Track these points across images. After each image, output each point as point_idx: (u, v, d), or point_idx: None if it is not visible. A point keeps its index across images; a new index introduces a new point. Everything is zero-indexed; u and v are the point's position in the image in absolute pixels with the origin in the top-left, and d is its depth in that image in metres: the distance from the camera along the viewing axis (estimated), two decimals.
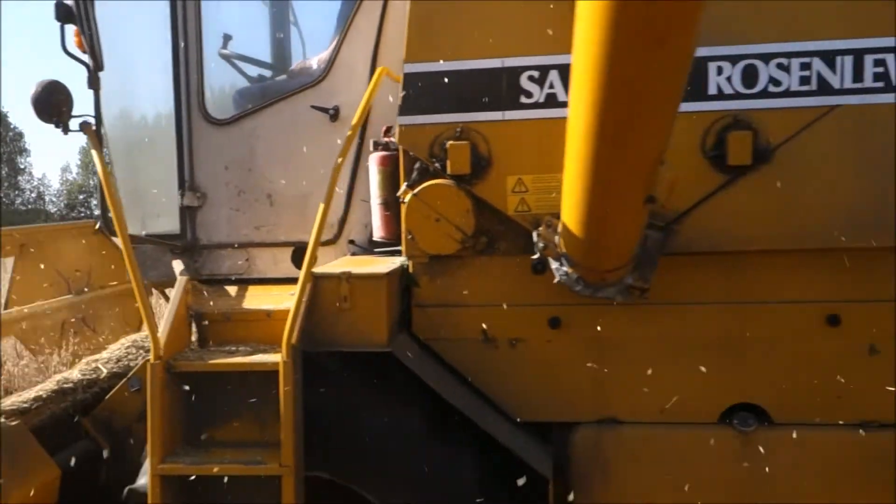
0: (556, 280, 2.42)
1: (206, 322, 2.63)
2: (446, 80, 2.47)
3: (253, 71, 3.78)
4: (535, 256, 2.39)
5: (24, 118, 67.20)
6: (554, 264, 2.42)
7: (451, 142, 2.48)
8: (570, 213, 2.08)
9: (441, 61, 2.47)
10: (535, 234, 2.39)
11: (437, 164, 2.52)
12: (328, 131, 3.00)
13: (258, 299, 2.73)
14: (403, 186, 2.59)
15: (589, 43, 1.46)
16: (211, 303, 2.70)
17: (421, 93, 2.51)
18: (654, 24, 1.34)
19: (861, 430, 2.50)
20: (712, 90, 2.38)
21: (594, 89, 1.54)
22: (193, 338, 2.68)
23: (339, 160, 2.44)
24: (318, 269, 2.52)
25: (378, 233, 2.88)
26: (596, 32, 1.41)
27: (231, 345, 2.61)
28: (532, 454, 2.53)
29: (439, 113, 2.51)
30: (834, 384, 2.50)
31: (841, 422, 2.51)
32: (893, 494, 2.47)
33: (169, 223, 3.17)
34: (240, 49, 3.68)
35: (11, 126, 52.82)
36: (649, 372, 2.56)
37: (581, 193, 1.92)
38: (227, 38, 3.59)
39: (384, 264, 2.64)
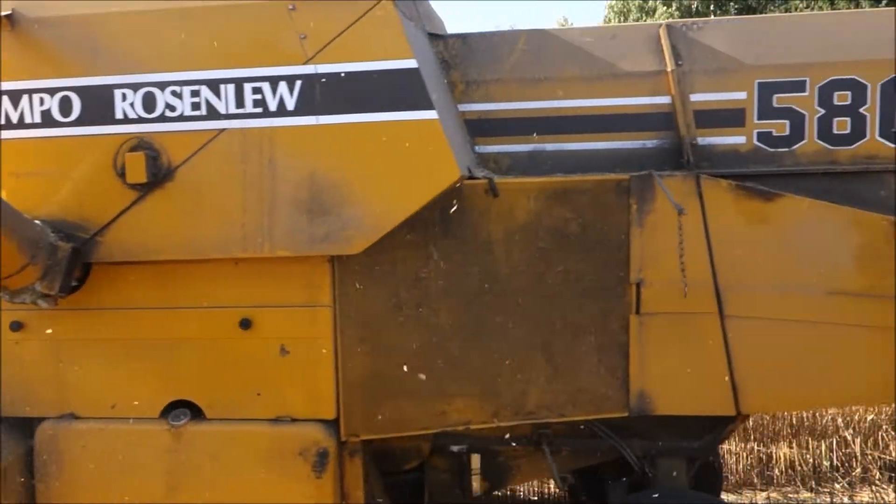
0: None
1: None
2: None
3: None
4: None
5: None
6: None
7: None
8: None
9: None
10: None
11: None
12: None
13: None
14: None
15: None
16: None
17: None
18: None
19: (277, 424, 2.74)
20: (119, 115, 2.61)
21: None
22: None
23: None
24: None
25: None
26: None
27: None
28: None
29: None
30: (253, 382, 2.74)
31: (261, 417, 2.75)
32: (303, 484, 2.71)
33: None
34: None
35: None
36: (100, 371, 2.80)
37: None
38: None
39: None
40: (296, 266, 2.66)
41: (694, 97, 2.85)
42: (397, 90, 2.47)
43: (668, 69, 2.84)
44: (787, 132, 2.81)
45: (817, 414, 5.26)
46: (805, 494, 4.85)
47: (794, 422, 5.27)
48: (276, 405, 2.73)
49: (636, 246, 2.72)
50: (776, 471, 5.01)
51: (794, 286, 2.71)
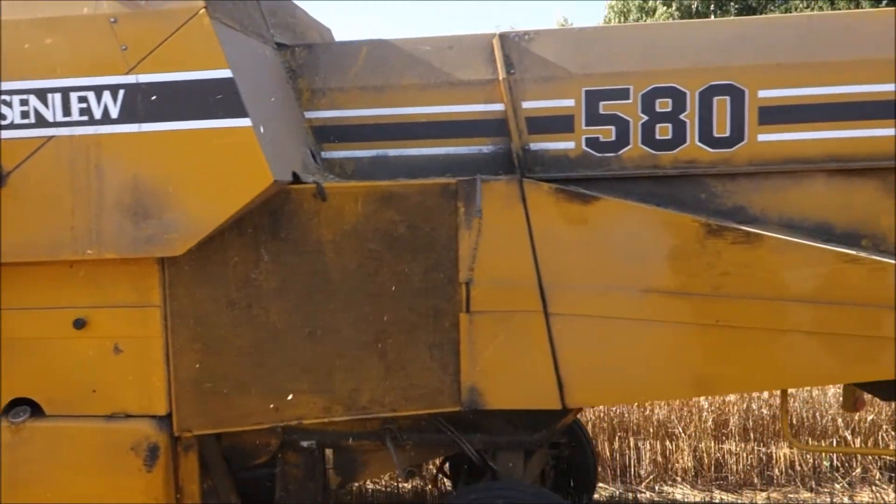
0: None
1: None
2: None
3: None
4: None
5: None
6: None
7: None
8: None
9: None
10: None
11: None
12: None
13: None
14: None
15: None
16: None
17: None
18: None
19: (111, 420, 2.84)
20: None
21: None
22: None
23: None
24: None
25: None
26: None
27: None
28: None
29: None
30: (88, 380, 2.84)
31: (97, 413, 2.85)
32: (135, 478, 2.81)
33: None
34: None
35: None
36: None
37: None
38: None
39: None
40: (126, 268, 2.76)
41: (525, 104, 2.98)
42: (213, 99, 2.59)
43: (500, 77, 2.96)
44: (613, 138, 2.94)
45: (817, 414, 5.21)
46: (805, 494, 4.87)
47: (795, 422, 5.21)
48: (111, 402, 2.83)
49: (464, 247, 2.84)
50: (776, 471, 5.03)
51: (613, 285, 2.83)
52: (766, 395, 5.27)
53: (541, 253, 2.84)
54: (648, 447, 5.11)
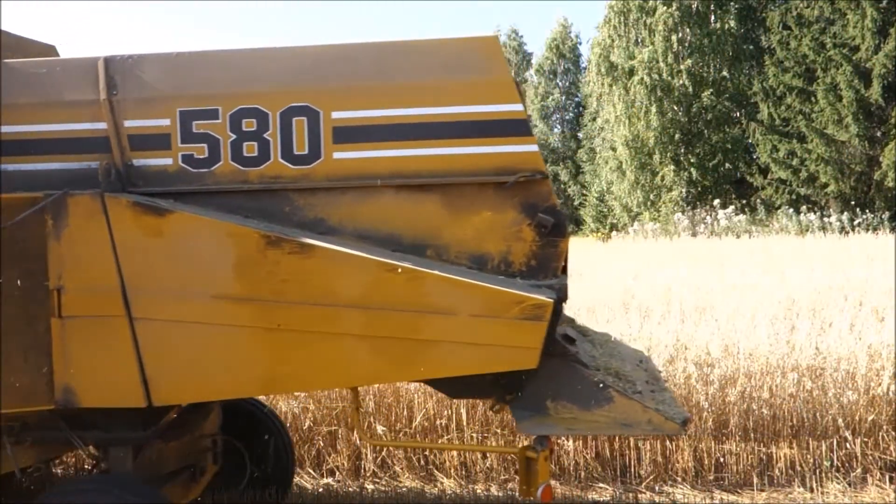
0: None
1: None
2: None
3: None
4: None
5: None
6: None
7: None
8: None
9: None
10: None
11: None
12: None
13: None
14: None
15: None
16: None
17: None
18: None
19: None
20: None
21: None
22: None
23: None
24: None
25: None
26: None
27: None
28: None
29: None
30: None
31: None
32: None
33: None
34: None
35: None
36: None
37: None
38: None
39: None
40: None
41: (127, 123, 3.20)
42: None
43: (102, 98, 3.18)
44: (206, 155, 3.17)
45: (817, 414, 5.14)
46: (805, 494, 4.87)
47: (795, 421, 5.15)
48: None
49: (54, 256, 3.05)
50: (776, 471, 5.03)
51: (188, 291, 3.06)
52: (766, 395, 5.18)
53: (123, 262, 3.05)
54: (648, 447, 5.08)
